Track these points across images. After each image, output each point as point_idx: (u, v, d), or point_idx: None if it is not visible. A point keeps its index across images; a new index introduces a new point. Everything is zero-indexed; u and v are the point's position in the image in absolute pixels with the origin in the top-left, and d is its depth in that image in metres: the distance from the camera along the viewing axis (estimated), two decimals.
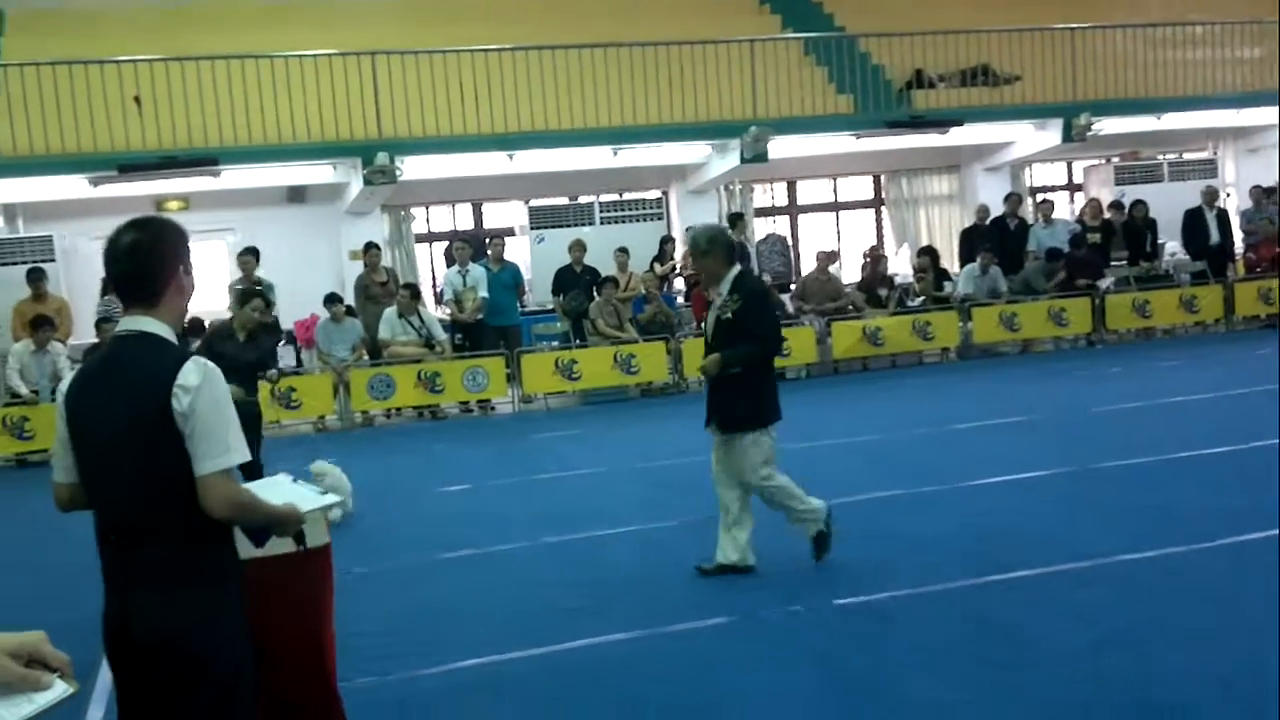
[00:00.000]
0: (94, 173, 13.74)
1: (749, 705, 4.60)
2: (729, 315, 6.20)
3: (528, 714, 4.70)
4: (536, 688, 4.98)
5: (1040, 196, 18.20)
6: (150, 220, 3.12)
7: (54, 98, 13.34)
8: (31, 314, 12.47)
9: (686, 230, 6.68)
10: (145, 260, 2.99)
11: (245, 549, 3.66)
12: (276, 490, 3.39)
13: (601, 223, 16.14)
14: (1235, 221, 16.93)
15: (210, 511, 2.87)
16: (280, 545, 3.86)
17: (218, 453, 2.84)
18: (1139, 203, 16.34)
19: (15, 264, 13.59)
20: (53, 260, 13.87)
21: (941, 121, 16.67)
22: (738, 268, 6.34)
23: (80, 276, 14.36)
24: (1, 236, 14.56)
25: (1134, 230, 16.26)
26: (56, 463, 3.12)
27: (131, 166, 13.53)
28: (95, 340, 12.77)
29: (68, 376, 3.18)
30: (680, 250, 15.87)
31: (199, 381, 2.84)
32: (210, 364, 2.93)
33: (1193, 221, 16.25)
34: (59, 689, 1.67)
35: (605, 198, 16.69)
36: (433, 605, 6.28)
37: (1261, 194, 16.76)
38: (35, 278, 13.04)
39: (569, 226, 15.83)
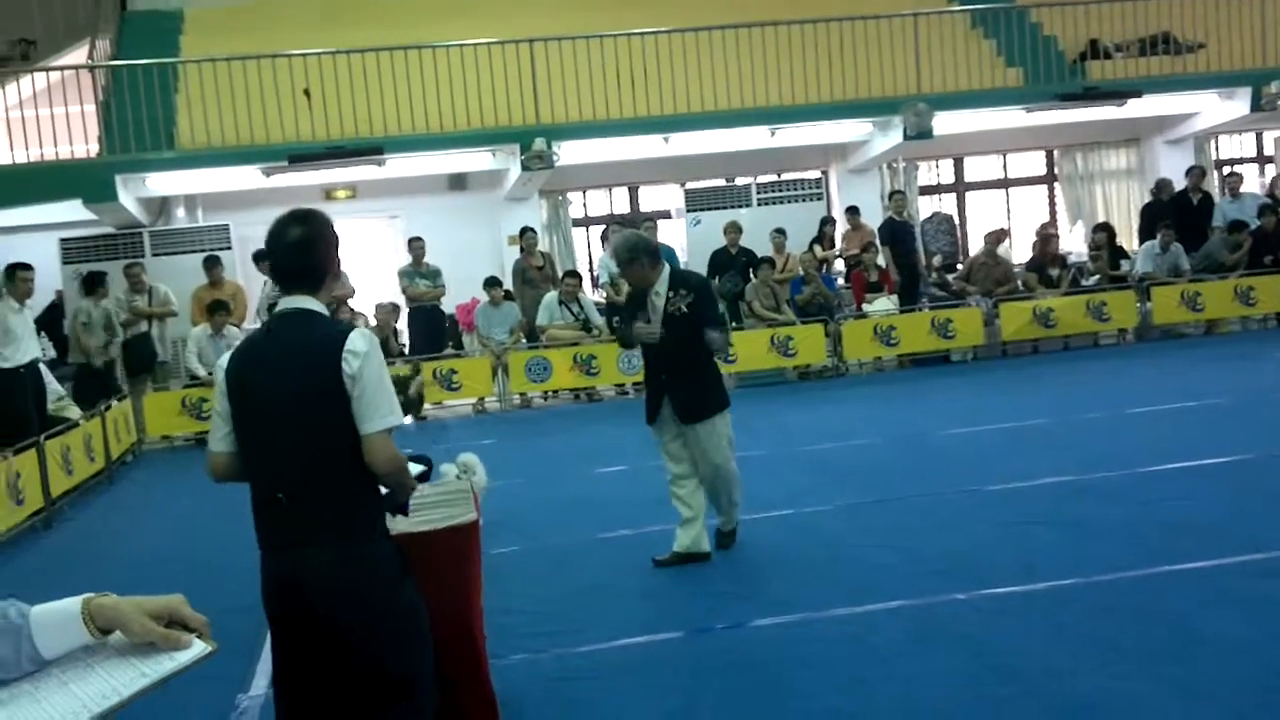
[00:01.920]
0: (266, 163, 14.24)
1: (889, 690, 4.43)
2: (684, 309, 6.28)
3: (677, 693, 4.62)
4: (687, 669, 4.90)
5: (1227, 169, 17.21)
6: (310, 214, 3.33)
7: (229, 92, 13.88)
8: (208, 299, 13.02)
9: (612, 241, 6.74)
10: (310, 253, 3.25)
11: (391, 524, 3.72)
12: None
13: (758, 204, 15.97)
14: None
15: (375, 467, 3.09)
16: (419, 521, 3.91)
17: (385, 413, 3.08)
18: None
19: (195, 252, 14.20)
20: (229, 248, 14.46)
21: (1118, 93, 15.89)
22: (667, 266, 6.45)
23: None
24: (182, 226, 15.23)
25: None
26: (214, 433, 3.32)
27: (301, 157, 13.97)
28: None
29: (227, 353, 3.36)
30: (841, 230, 15.60)
31: (366, 348, 3.08)
32: (372, 334, 3.18)
33: None
34: (198, 648, 1.73)
35: (762, 178, 16.48)
36: (586, 585, 6.26)
37: None
38: (211, 264, 13.62)
39: (725, 208, 15.69)
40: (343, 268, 3.48)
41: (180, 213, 15.58)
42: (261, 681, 5.02)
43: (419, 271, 14.12)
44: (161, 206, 15.54)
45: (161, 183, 14.70)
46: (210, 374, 12.44)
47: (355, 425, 3.07)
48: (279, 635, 3.26)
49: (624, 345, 7.12)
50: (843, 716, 4.25)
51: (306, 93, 14.21)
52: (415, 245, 14.31)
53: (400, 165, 14.87)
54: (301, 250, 3.25)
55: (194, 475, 11.28)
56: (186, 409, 12.57)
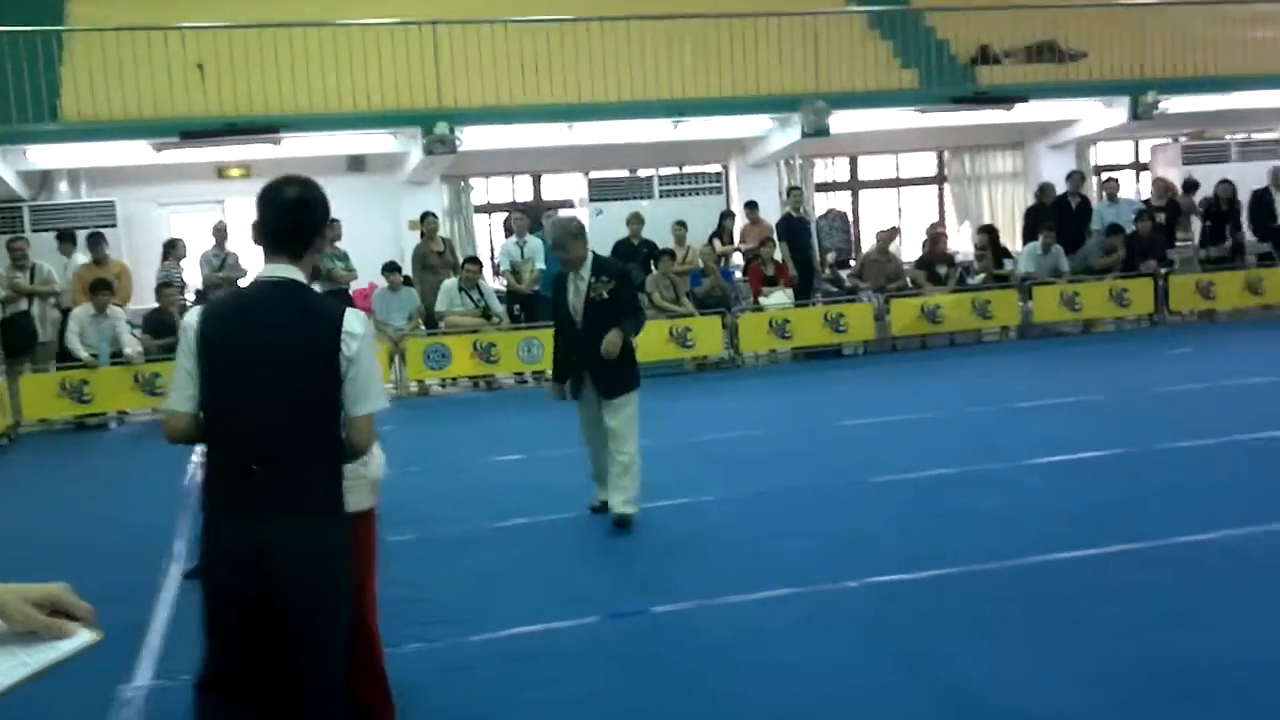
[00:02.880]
0: (157, 138, 13.88)
1: (796, 669, 4.58)
2: (605, 295, 6.81)
3: (574, 681, 4.68)
4: (584, 657, 4.96)
5: (1105, 175, 17.84)
6: (309, 180, 3.31)
7: (118, 63, 13.46)
8: (91, 278, 12.62)
9: (549, 223, 7.28)
10: (306, 216, 3.25)
11: None
12: None
13: (661, 196, 16.05)
14: None
15: (356, 447, 3.19)
16: None
17: (377, 395, 3.17)
18: (1224, 182, 15.94)
19: (78, 228, 13.75)
20: (114, 225, 14.03)
21: (1006, 98, 16.36)
22: (591, 254, 6.96)
23: (141, 242, 14.52)
24: (64, 201, 14.75)
25: (1216, 212, 15.91)
26: (179, 393, 3.21)
27: (194, 133, 13.65)
28: (156, 305, 12.92)
29: (196, 312, 3.27)
30: (740, 225, 15.79)
31: (363, 330, 3.14)
32: (364, 314, 3.24)
33: (1259, 202, 15.84)
34: (83, 637, 1.70)
35: (665, 171, 16.60)
36: (482, 573, 6.28)
37: None
38: (95, 242, 13.20)
39: (628, 199, 15.75)
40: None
41: (63, 187, 15.09)
42: (146, 671, 4.93)
43: (334, 254, 13.86)
44: (43, 180, 15.04)
45: (43, 155, 14.23)
46: (93, 355, 12.14)
47: (343, 404, 3.11)
48: (222, 608, 3.19)
49: (558, 378, 7.39)
50: (736, 702, 4.36)
51: (201, 67, 13.88)
52: (333, 226, 13.94)
53: (297, 145, 14.60)
54: (296, 210, 3.23)
55: (73, 459, 11.08)
56: (66, 391, 12.19)
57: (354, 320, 3.13)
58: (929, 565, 5.77)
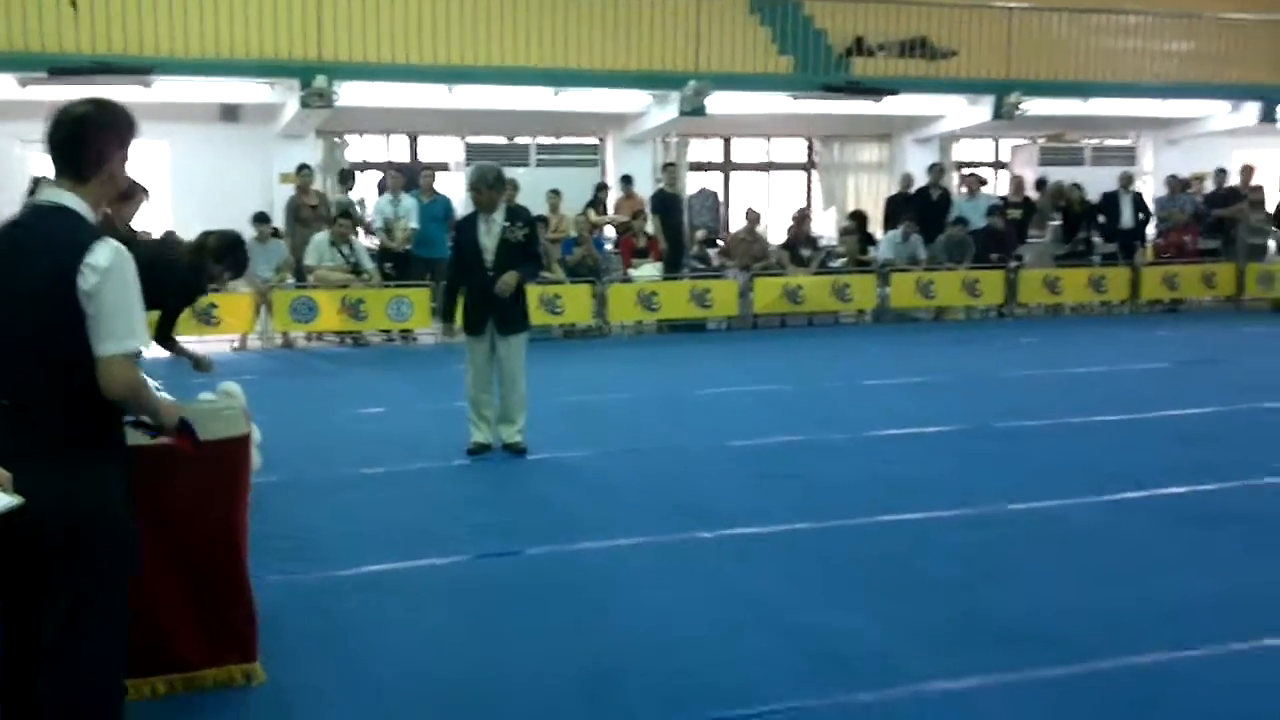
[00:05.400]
0: (23, 73, 13.46)
1: (651, 607, 4.88)
2: (519, 237, 7.51)
3: (436, 612, 4.89)
4: (449, 591, 5.18)
5: (967, 171, 18.59)
6: (109, 101, 3.09)
7: None
8: None
9: (473, 167, 7.83)
10: (92, 131, 3.00)
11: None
12: None
13: (537, 165, 16.19)
14: (1152, 208, 17.45)
15: (106, 391, 2.90)
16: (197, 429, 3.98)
17: (122, 335, 2.87)
18: (1076, 186, 16.82)
19: None
20: None
21: (877, 89, 16.92)
22: (504, 202, 7.68)
23: (5, 178, 14.06)
24: None
25: (1070, 213, 16.77)
26: None
27: (63, 70, 13.27)
28: None
29: None
30: (614, 198, 16.03)
31: (108, 264, 2.84)
32: (122, 247, 2.92)
33: (1108, 204, 16.74)
34: (3, 500, 1.75)
35: (542, 140, 16.73)
36: (347, 514, 6.43)
37: (1178, 184, 17.32)
38: None
39: (505, 165, 15.70)
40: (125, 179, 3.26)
41: None
42: None
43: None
44: None
45: None
46: None
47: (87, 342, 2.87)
48: None
49: (446, 316, 8.01)
50: (594, 632, 4.62)
51: (74, 3, 13.49)
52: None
53: (170, 89, 14.29)
54: (80, 124, 2.98)
55: None
56: None
57: (100, 252, 2.84)
58: (776, 521, 6.12)
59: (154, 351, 4.85)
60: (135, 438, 3.34)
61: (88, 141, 2.99)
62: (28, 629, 2.97)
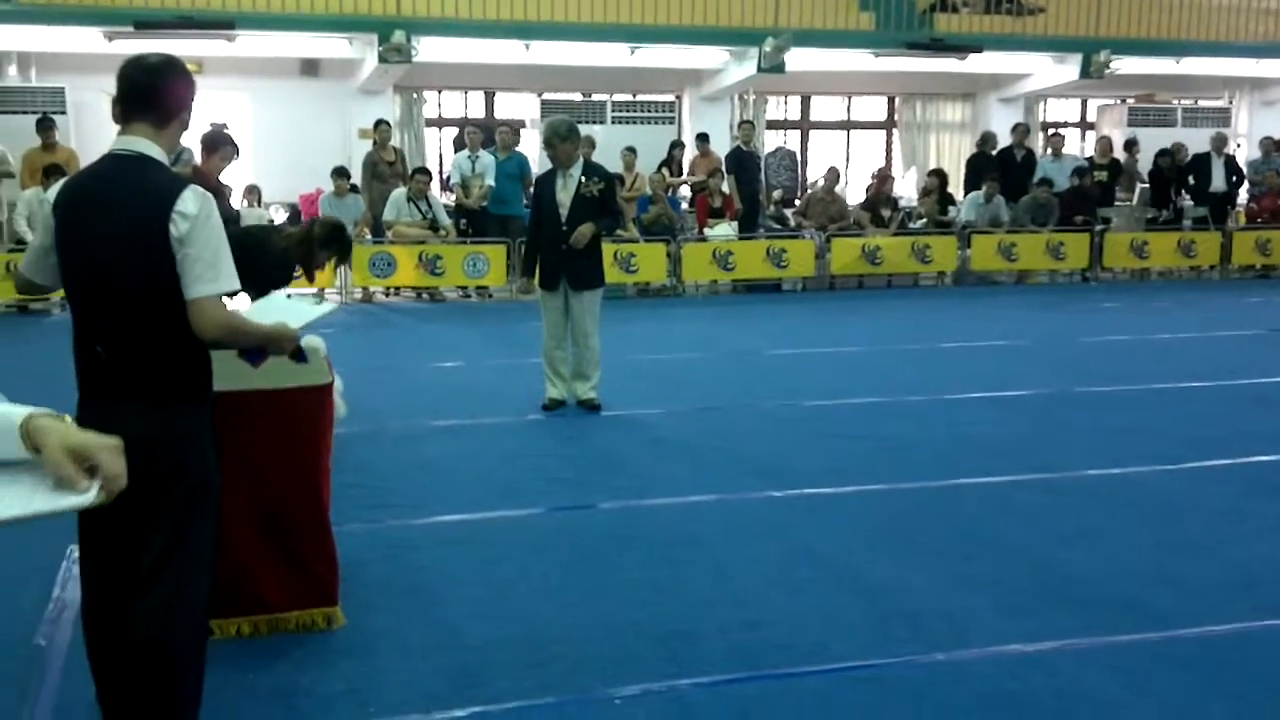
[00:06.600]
0: (110, 27, 13.70)
1: (720, 563, 4.89)
2: (594, 193, 7.53)
3: (509, 563, 4.94)
4: (523, 543, 5.23)
5: (1051, 131, 18.20)
6: (174, 56, 3.20)
7: None
8: (42, 163, 12.51)
9: (546, 121, 7.89)
10: (170, 80, 3.07)
11: (247, 374, 3.87)
12: (270, 309, 3.46)
13: (613, 122, 16.14)
14: (1245, 171, 16.96)
15: (201, 333, 2.96)
16: (277, 377, 4.05)
17: (210, 278, 2.93)
18: (1165, 152, 16.39)
19: (25, 113, 13.59)
20: (63, 112, 13.88)
21: (961, 46, 16.60)
22: (583, 156, 7.80)
23: (89, 131, 14.33)
24: (13, 84, 14.54)
25: (1159, 177, 16.37)
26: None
27: (148, 24, 13.49)
28: None
29: (55, 186, 3.14)
30: (690, 156, 15.94)
31: (197, 210, 2.91)
32: (208, 194, 3.00)
33: (1199, 167, 16.31)
34: (83, 497, 1.69)
35: (618, 97, 16.67)
36: (425, 465, 6.53)
37: (1272, 145, 16.78)
38: (46, 127, 13.04)
39: (580, 123, 15.73)
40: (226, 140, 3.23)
41: (12, 70, 14.85)
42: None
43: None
44: None
45: None
46: None
47: (180, 287, 2.92)
48: None
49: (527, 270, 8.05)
50: (657, 589, 4.65)
51: None
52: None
53: (251, 43, 14.49)
54: (159, 72, 3.06)
55: (17, 344, 11.03)
56: (11, 274, 12.13)
57: (189, 199, 2.92)
58: (849, 482, 6.10)
59: None
60: (221, 381, 3.40)
61: (167, 88, 3.06)
62: (115, 568, 3.04)
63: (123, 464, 1.77)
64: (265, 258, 5.46)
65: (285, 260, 6.03)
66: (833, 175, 15.68)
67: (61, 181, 3.13)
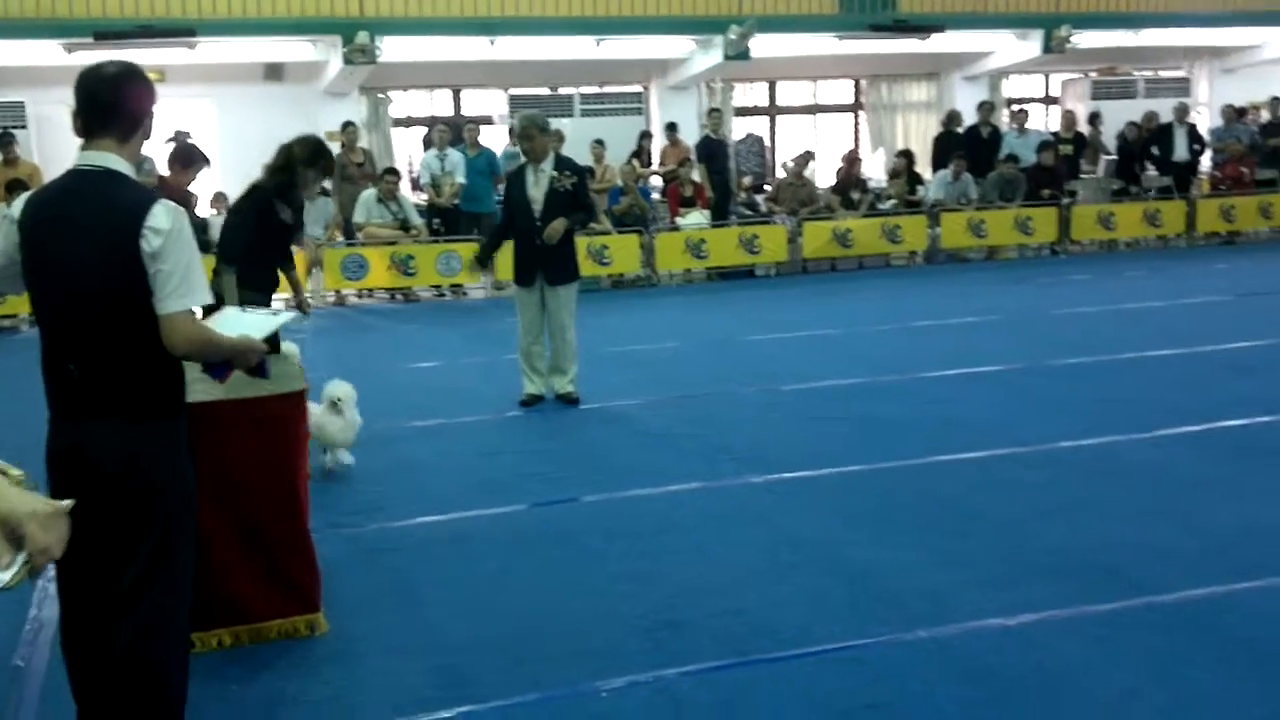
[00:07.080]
0: (69, 39, 13.58)
1: (703, 551, 4.93)
2: (567, 187, 7.50)
3: (493, 559, 4.95)
4: (507, 540, 5.24)
5: (1016, 107, 18.27)
6: (132, 64, 3.11)
7: None
8: (4, 178, 12.41)
9: (518, 116, 7.89)
10: (130, 91, 3.01)
11: (211, 389, 3.82)
12: (227, 323, 3.46)
13: (581, 115, 16.11)
14: (1207, 139, 17.08)
15: (173, 348, 2.95)
16: (251, 386, 4.03)
17: (184, 293, 2.92)
18: (1133, 124, 16.49)
19: None
20: (24, 127, 13.77)
21: (924, 26, 16.65)
22: (553, 151, 7.75)
23: (52, 145, 14.22)
24: None
25: (1127, 150, 16.48)
26: None
27: (107, 34, 13.38)
28: None
29: (19, 200, 3.06)
30: (659, 146, 15.94)
31: (169, 225, 2.89)
32: (179, 208, 2.98)
33: (1162, 138, 16.41)
34: (10, 575, 1.60)
35: (586, 90, 16.64)
36: (404, 466, 6.52)
37: (1233, 113, 16.93)
38: (6, 142, 12.94)
39: (549, 117, 15.68)
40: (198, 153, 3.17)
41: None
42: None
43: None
44: None
45: None
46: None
47: (151, 302, 2.91)
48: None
49: (481, 261, 8.23)
50: (641, 579, 4.66)
51: None
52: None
53: (214, 50, 14.39)
54: (117, 84, 2.99)
55: None
56: None
57: (160, 215, 2.89)
58: (828, 464, 6.13)
59: None
60: (195, 393, 3.39)
61: (127, 98, 3.01)
62: (94, 587, 3.01)
63: (58, 534, 1.66)
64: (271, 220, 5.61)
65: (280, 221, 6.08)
66: (802, 159, 15.69)
67: (24, 196, 3.09)
